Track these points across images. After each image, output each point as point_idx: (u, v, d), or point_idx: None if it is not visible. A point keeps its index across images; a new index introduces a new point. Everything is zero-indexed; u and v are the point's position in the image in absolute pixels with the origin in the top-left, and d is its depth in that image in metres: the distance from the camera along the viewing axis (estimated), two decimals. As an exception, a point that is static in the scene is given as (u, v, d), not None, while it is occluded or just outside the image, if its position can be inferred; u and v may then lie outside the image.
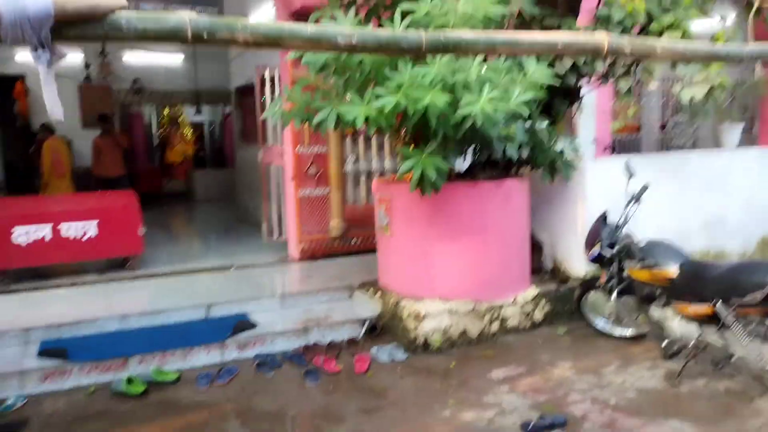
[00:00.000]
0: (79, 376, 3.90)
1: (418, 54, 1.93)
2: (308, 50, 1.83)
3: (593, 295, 4.52)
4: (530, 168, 4.73)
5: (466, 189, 4.42)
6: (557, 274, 5.08)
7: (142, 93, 13.20)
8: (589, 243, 4.29)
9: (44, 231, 5.54)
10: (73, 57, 12.00)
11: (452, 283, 4.45)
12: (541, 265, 5.19)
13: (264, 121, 6.72)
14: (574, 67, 4.37)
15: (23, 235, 5.46)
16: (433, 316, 4.31)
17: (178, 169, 15.93)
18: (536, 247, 5.12)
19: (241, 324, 4.50)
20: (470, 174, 4.72)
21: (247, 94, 8.49)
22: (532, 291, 4.73)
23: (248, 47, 1.76)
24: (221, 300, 4.86)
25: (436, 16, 3.87)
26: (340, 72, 4.07)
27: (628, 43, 2.23)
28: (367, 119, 3.84)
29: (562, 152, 4.58)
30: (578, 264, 4.98)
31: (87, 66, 11.60)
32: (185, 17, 1.70)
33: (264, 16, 7.49)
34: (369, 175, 6.53)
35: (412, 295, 4.54)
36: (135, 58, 12.93)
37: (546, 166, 4.59)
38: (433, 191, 4.03)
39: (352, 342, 4.47)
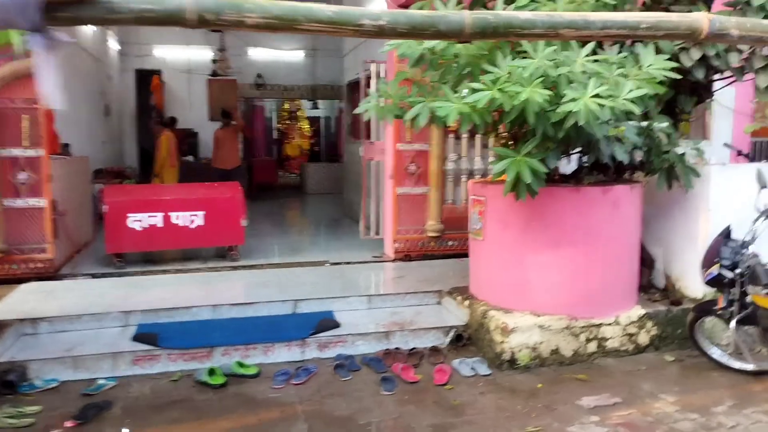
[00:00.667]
0: (167, 363, 4.02)
1: (460, 38, 1.68)
2: (330, 33, 1.63)
3: (710, 321, 3.97)
4: (645, 173, 4.25)
5: (569, 194, 4.06)
6: (669, 294, 4.54)
7: (264, 87, 13.77)
8: (708, 262, 3.76)
9: (157, 218, 5.84)
10: (203, 53, 12.72)
11: (546, 295, 4.12)
12: (651, 282, 4.67)
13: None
14: (704, 60, 3.85)
15: (137, 221, 5.79)
16: (523, 330, 4.00)
17: (294, 162, 16.50)
18: (647, 262, 4.61)
19: (324, 322, 4.44)
20: (575, 178, 4.33)
21: (356, 90, 8.52)
22: (638, 310, 4.26)
23: (259, 30, 1.61)
24: (310, 296, 4.86)
25: (541, 3, 3.55)
26: (435, 65, 3.87)
27: (735, 24, 1.84)
28: (461, 115, 3.62)
29: (683, 156, 4.06)
30: (695, 284, 4.41)
31: (214, 62, 12.23)
32: None
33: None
34: (470, 175, 6.29)
35: (501, 305, 4.26)
36: (259, 54, 13.51)
37: (663, 171, 4.10)
38: (529, 195, 3.71)
39: (434, 350, 4.26)
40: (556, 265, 4.09)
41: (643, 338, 4.23)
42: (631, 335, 4.20)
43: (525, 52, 3.51)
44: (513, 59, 3.52)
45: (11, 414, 3.43)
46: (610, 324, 4.16)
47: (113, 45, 11.84)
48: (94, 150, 9.67)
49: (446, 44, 3.64)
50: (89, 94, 9.72)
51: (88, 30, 9.60)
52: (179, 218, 5.88)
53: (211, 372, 3.88)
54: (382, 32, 1.64)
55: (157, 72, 12.85)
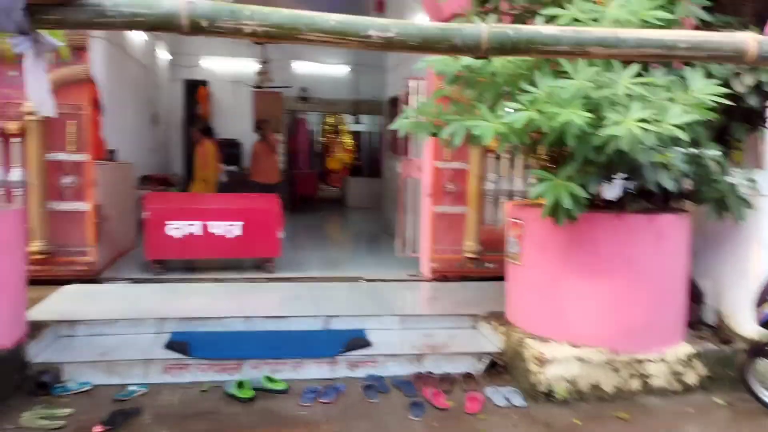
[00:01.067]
0: (197, 373, 4.06)
1: (477, 53, 1.63)
2: (334, 45, 1.58)
3: (764, 364, 3.76)
4: (694, 203, 4.09)
5: (611, 221, 3.94)
6: (720, 332, 4.33)
7: (309, 100, 13.95)
8: (761, 300, 3.57)
9: (196, 227, 5.94)
10: (249, 64, 12.98)
11: (586, 326, 3.99)
12: (700, 317, 4.47)
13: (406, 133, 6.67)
14: (758, 86, 3.69)
15: (176, 228, 5.90)
16: (560, 361, 3.87)
17: (336, 176, 16.61)
18: (696, 296, 4.42)
19: (355, 341, 4.41)
20: (618, 204, 4.20)
21: (396, 105, 8.53)
22: (686, 348, 4.07)
23: (258, 39, 1.58)
24: (342, 313, 4.84)
25: (584, 22, 3.48)
26: (472, 83, 3.83)
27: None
28: (497, 135, 3.56)
29: (734, 186, 3.90)
30: (747, 322, 4.20)
31: (257, 74, 12.47)
32: (182, 1, 1.54)
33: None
34: (510, 197, 6.19)
35: (538, 333, 4.15)
36: (303, 67, 13.71)
37: (713, 201, 3.93)
38: (568, 221, 3.62)
39: (467, 377, 4.17)
40: (596, 295, 3.96)
41: (691, 378, 4.03)
42: (677, 374, 4.01)
43: (566, 72, 3.43)
44: (553, 79, 3.44)
45: (43, 415, 3.51)
46: (654, 361, 3.98)
47: (163, 55, 12.21)
48: (141, 157, 9.95)
49: (483, 62, 3.59)
50: (138, 103, 10.04)
51: (139, 39, 9.92)
52: (217, 228, 5.97)
53: (240, 385, 3.90)
54: (390, 45, 1.59)
55: (204, 82, 13.18)
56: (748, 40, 1.71)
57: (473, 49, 1.61)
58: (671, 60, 1.77)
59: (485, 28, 1.59)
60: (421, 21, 1.67)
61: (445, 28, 1.63)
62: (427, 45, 1.60)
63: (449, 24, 1.65)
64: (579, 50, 1.64)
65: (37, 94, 1.58)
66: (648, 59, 1.90)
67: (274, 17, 1.53)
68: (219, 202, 6.29)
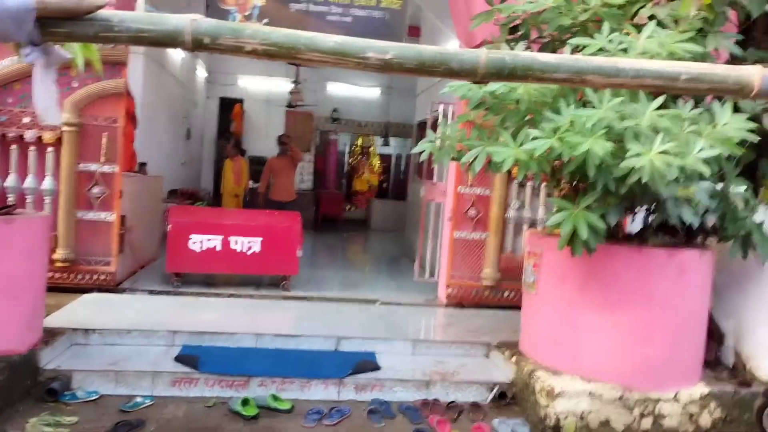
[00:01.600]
0: (204, 387, 4.02)
1: (474, 78, 1.58)
2: (333, 65, 1.55)
3: (784, 410, 3.58)
4: (718, 239, 3.95)
5: (630, 254, 3.82)
6: (738, 373, 4.14)
7: (339, 122, 14.07)
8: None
9: (216, 241, 5.97)
10: (283, 84, 13.16)
11: (600, 361, 3.85)
12: (718, 357, 4.28)
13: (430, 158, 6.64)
14: (789, 122, 3.56)
15: (197, 242, 5.93)
16: (570, 396, 3.73)
17: (362, 197, 16.63)
18: (715, 336, 4.24)
19: (364, 363, 4.33)
20: (639, 237, 4.08)
21: (424, 129, 8.53)
22: (701, 388, 3.90)
23: (258, 57, 1.56)
24: (354, 335, 4.78)
25: (612, 52, 3.41)
26: (496, 109, 3.79)
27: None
28: (517, 162, 3.50)
29: (761, 225, 3.74)
30: (771, 365, 4.02)
31: (290, 93, 12.64)
32: (186, 19, 1.54)
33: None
34: (533, 225, 6.09)
35: (550, 366, 4.02)
36: (336, 88, 13.86)
37: (738, 239, 3.79)
38: (586, 252, 3.51)
39: (475, 406, 4.05)
40: (612, 329, 3.83)
41: (705, 419, 3.86)
42: (691, 415, 3.84)
43: (590, 102, 3.36)
44: (577, 108, 3.38)
45: (48, 422, 3.50)
46: (668, 400, 3.83)
47: (201, 73, 12.48)
48: (173, 171, 10.12)
49: (508, 88, 3.55)
50: (173, 118, 10.23)
51: (177, 57, 10.14)
52: (237, 243, 5.98)
53: (245, 402, 3.84)
54: (388, 66, 1.56)
55: (240, 101, 13.42)
56: (753, 73, 1.63)
57: (470, 73, 1.57)
58: (671, 92, 1.70)
59: (483, 53, 1.56)
60: (421, 45, 1.64)
61: (443, 52, 1.60)
62: (423, 68, 1.58)
63: (447, 48, 1.61)
64: (577, 78, 1.59)
65: (44, 102, 1.59)
66: (648, 88, 1.83)
67: (274, 36, 1.53)
68: (240, 217, 6.31)
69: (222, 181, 10.03)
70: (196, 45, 1.54)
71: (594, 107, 3.33)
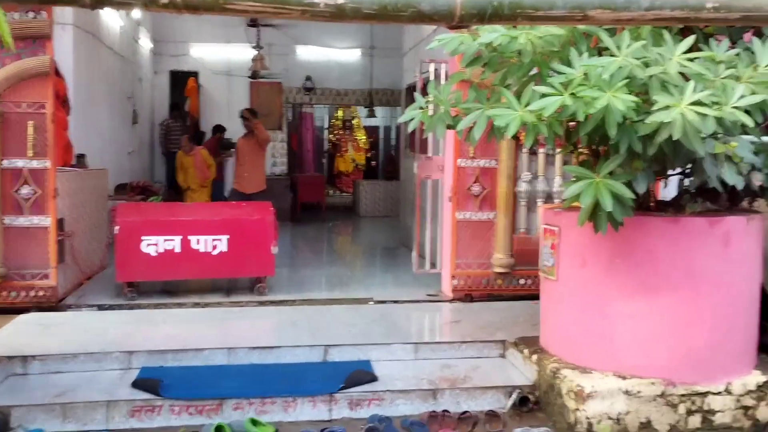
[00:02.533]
0: (169, 416, 3.99)
1: (450, 22, 1.54)
2: (271, 15, 1.50)
3: None
4: (767, 201, 3.96)
5: (665, 225, 3.82)
6: (800, 358, 4.18)
7: (314, 92, 13.98)
8: None
9: (174, 242, 5.91)
10: (245, 52, 13.02)
11: (635, 353, 3.86)
12: (776, 341, 4.31)
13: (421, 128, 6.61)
14: None
15: (152, 245, 5.88)
16: (603, 396, 3.75)
17: (347, 179, 16.61)
18: (770, 315, 4.27)
19: (358, 374, 4.32)
20: (674, 205, 4.08)
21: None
22: (757, 377, 3.93)
23: (177, 11, 1.50)
24: (344, 341, 4.78)
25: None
26: (494, 65, 3.76)
27: None
28: (524, 126, 3.50)
29: (817, 182, 3.75)
30: (838, 345, 4.04)
31: (255, 61, 12.52)
32: None
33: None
34: (548, 199, 6.08)
35: (577, 363, 4.04)
36: (308, 53, 13.74)
37: (791, 200, 3.79)
38: (611, 227, 3.51)
39: (492, 416, 4.06)
40: (648, 316, 3.84)
41: (764, 413, 3.90)
42: (747, 408, 3.88)
43: (607, 48, 3.33)
44: (591, 57, 3.35)
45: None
46: (719, 393, 3.85)
47: (145, 43, 12.34)
48: (119, 162, 10.03)
49: (508, 39, 3.52)
50: (115, 99, 10.11)
51: (115, 26, 10.01)
52: (200, 243, 5.94)
53: (219, 429, 3.82)
54: (341, 13, 1.51)
55: (194, 74, 13.29)
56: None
57: (445, 16, 1.54)
58: (695, 24, 1.66)
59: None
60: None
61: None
62: (386, 13, 1.54)
63: None
64: (578, 14, 1.56)
65: None
66: (666, 23, 1.79)
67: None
68: (201, 212, 6.30)
69: (180, 176, 9.95)
70: (98, 1, 1.48)
71: (611, 55, 3.30)
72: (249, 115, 8.86)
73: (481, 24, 1.55)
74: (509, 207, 5.97)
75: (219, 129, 12.14)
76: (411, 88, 9.50)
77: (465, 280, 6.04)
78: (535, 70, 3.75)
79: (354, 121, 17.37)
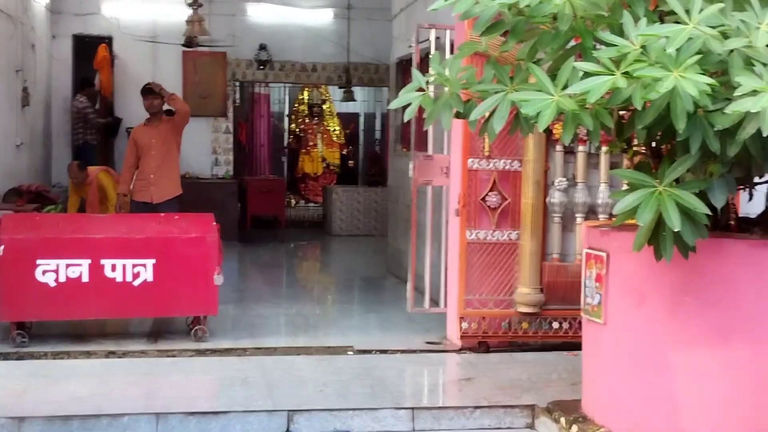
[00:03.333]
0: None
1: None
2: None
3: None
4: None
5: (750, 251, 3.88)
6: None
7: (271, 66, 14.01)
8: None
9: (81, 268, 5.91)
10: (177, 11, 12.96)
11: (709, 421, 3.91)
12: None
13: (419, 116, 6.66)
14: None
15: (51, 271, 5.87)
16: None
17: (315, 184, 16.63)
18: None
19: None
20: (763, 224, 4.13)
21: (409, 71, 8.52)
22: None
23: None
24: (314, 405, 4.84)
25: None
26: (519, 32, 3.79)
27: None
28: (561, 115, 3.53)
29: None
30: None
31: (188, 24, 12.52)
32: None
33: None
34: (591, 214, 6.14)
35: (632, 435, 4.07)
36: (263, 13, 13.76)
37: None
38: (679, 253, 3.55)
39: None
40: (725, 372, 3.88)
41: None
42: None
43: (672, 12, 3.38)
44: (651, 24, 3.39)
45: None
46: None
47: (40, -1, 12.32)
48: (4, 158, 9.98)
49: (538, -1, 3.55)
50: (-2, 73, 10.08)
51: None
52: (116, 270, 5.98)
53: None
54: None
55: (106, 39, 13.25)
56: None
57: None
58: None
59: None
60: None
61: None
62: None
63: None
64: None
65: None
66: None
67: None
68: (118, 227, 6.29)
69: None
70: None
71: (678, 21, 3.34)
72: (156, 88, 8.34)
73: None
74: (537, 224, 6.01)
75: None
76: (403, 63, 9.56)
77: (478, 322, 6.07)
78: (575, 41, 3.77)
79: (325, 107, 17.41)
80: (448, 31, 6.40)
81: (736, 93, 3.17)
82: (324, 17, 14.11)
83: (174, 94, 8.60)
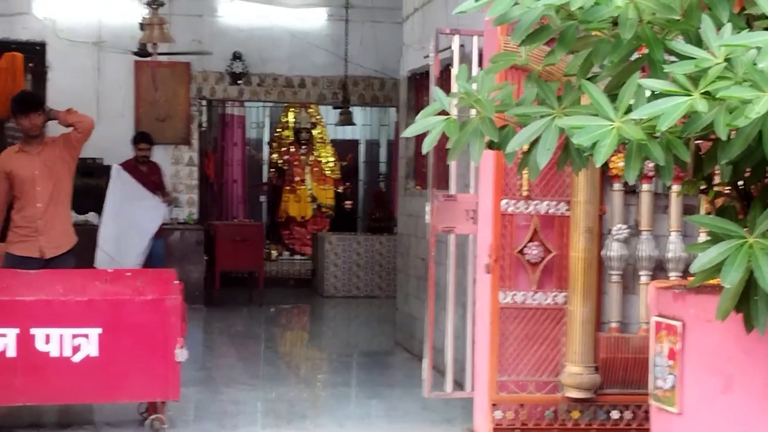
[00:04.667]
0: None
1: None
2: None
3: None
4: None
5: None
6: None
7: (247, 79, 14.11)
8: None
9: (4, 339, 5.92)
10: (127, 11, 13.09)
11: None
12: None
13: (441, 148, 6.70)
14: None
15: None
16: None
17: (302, 231, 16.65)
18: None
19: None
20: None
21: (423, 88, 8.59)
22: None
23: None
24: None
25: None
26: (568, 41, 3.83)
27: None
28: (624, 145, 3.56)
29: None
30: None
31: (142, 28, 12.62)
32: None
33: None
34: (660, 271, 6.15)
35: None
36: (238, 13, 13.85)
37: None
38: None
39: None
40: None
41: None
42: None
43: (764, 17, 3.42)
44: (738, 31, 3.43)
45: None
46: None
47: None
48: None
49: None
50: None
51: None
52: (51, 341, 5.99)
53: None
54: None
55: (38, 45, 13.35)
56: None
57: None
58: None
59: None
60: None
61: None
62: None
63: None
64: None
65: None
66: None
67: None
68: (55, 287, 6.29)
69: None
70: None
71: (771, 27, 3.38)
72: (42, 105, 8.12)
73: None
74: (591, 284, 6.01)
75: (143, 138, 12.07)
76: (417, 77, 9.62)
77: (515, 411, 6.05)
78: (639, 52, 3.81)
79: (315, 132, 17.51)
80: (475, 38, 6.44)
81: None
82: (316, 19, 14.23)
83: (70, 108, 8.22)
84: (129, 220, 10.47)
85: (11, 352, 5.91)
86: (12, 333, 5.92)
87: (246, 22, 13.95)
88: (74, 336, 5.99)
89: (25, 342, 5.93)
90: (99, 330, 6.00)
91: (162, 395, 6.17)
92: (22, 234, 7.62)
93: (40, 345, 5.96)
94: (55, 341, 5.98)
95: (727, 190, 4.13)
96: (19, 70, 13.14)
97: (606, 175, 5.95)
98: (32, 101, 7.94)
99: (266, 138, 17.62)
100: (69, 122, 7.87)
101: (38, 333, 5.96)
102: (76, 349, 6.00)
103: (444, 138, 4.10)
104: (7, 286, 6.35)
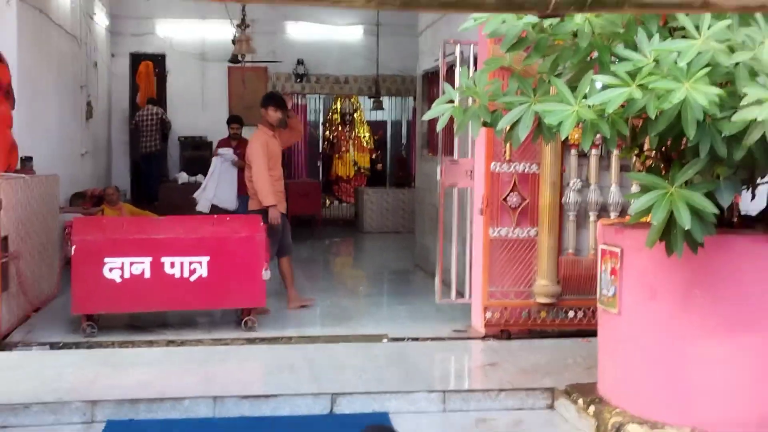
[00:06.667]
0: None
1: (544, 11, 1.57)
2: (329, 3, 1.52)
3: None
4: None
5: (755, 246, 3.89)
6: None
7: (307, 79, 14.07)
8: None
9: (143, 265, 5.94)
10: (224, 30, 13.03)
11: (719, 405, 3.89)
12: None
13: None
14: None
15: (116, 268, 5.90)
16: (680, 459, 3.76)
17: (347, 186, 16.61)
18: None
19: (374, 430, 4.31)
20: (766, 221, 4.10)
21: (434, 83, 8.52)
22: None
23: None
24: (355, 389, 4.84)
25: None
26: (543, 48, 3.79)
27: None
28: (581, 124, 3.54)
29: None
30: None
31: (233, 42, 12.56)
32: None
33: None
34: (603, 212, 6.10)
35: (645, 416, 4.05)
36: (300, 31, 13.81)
37: None
38: (689, 249, 3.54)
39: (540, 483, 4.07)
40: (733, 359, 3.87)
41: None
42: None
43: (682, 28, 3.36)
44: (663, 39, 3.39)
45: None
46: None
47: (101, 20, 12.41)
48: (70, 166, 10.06)
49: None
50: (66, 89, 10.17)
51: (66, 0, 10.07)
52: (175, 266, 5.99)
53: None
54: (413, 1, 1.54)
55: (160, 57, 13.38)
56: None
57: (538, 4, 1.55)
58: None
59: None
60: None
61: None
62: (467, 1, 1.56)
63: None
64: (697, 1, 1.57)
65: None
66: None
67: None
68: (177, 228, 6.31)
69: None
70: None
71: (687, 37, 3.33)
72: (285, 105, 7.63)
73: (579, 12, 1.58)
74: (554, 221, 5.99)
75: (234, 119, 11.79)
76: (429, 75, 9.55)
77: (500, 312, 6.05)
78: (593, 56, 3.78)
79: (356, 115, 17.39)
80: (471, 46, 6.38)
81: (743, 102, 3.18)
82: (355, 34, 14.17)
83: (294, 117, 8.08)
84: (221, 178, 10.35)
85: (147, 275, 5.92)
86: (147, 261, 5.92)
87: (306, 37, 13.93)
88: (191, 263, 5.99)
89: (156, 267, 5.94)
90: (208, 258, 6.00)
91: (253, 303, 6.19)
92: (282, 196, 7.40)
93: (167, 269, 5.96)
94: (177, 266, 5.97)
95: (653, 154, 4.12)
96: (151, 74, 13.32)
97: (565, 144, 5.89)
98: (282, 100, 7.62)
99: (321, 120, 17.53)
100: (293, 124, 7.74)
101: (166, 261, 5.95)
102: (192, 272, 5.99)
103: (450, 118, 4.11)
104: (143, 228, 6.36)
